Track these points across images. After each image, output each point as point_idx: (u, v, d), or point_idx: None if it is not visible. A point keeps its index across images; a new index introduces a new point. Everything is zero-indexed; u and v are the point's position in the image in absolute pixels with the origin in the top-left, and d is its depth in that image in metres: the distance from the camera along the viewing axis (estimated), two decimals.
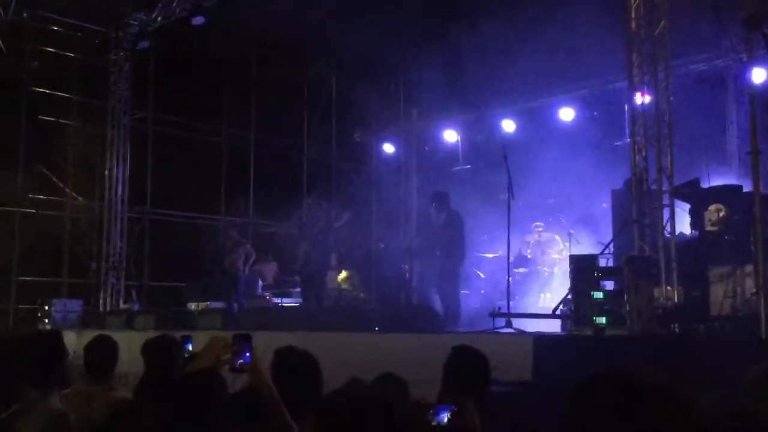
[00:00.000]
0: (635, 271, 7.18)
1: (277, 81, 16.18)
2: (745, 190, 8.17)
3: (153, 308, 13.06)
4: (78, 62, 14.60)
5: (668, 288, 7.68)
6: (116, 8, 14.27)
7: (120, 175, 14.49)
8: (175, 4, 13.55)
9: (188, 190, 14.84)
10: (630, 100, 8.57)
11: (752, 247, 7.14)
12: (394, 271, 13.02)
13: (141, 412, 2.60)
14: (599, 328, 7.02)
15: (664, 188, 8.11)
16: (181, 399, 2.52)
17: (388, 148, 17.01)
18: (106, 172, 14.42)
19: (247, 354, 2.96)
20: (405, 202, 16.55)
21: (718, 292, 7.71)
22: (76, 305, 13.12)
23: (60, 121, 14.35)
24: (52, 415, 3.45)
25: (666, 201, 8.09)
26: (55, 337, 3.99)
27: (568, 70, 12.74)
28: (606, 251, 8.85)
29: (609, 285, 7.72)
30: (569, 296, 7.80)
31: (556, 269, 11.83)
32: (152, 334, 5.37)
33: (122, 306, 13.85)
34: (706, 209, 8.22)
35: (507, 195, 9.03)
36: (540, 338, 6.42)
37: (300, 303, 12.42)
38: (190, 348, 4.29)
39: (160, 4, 13.85)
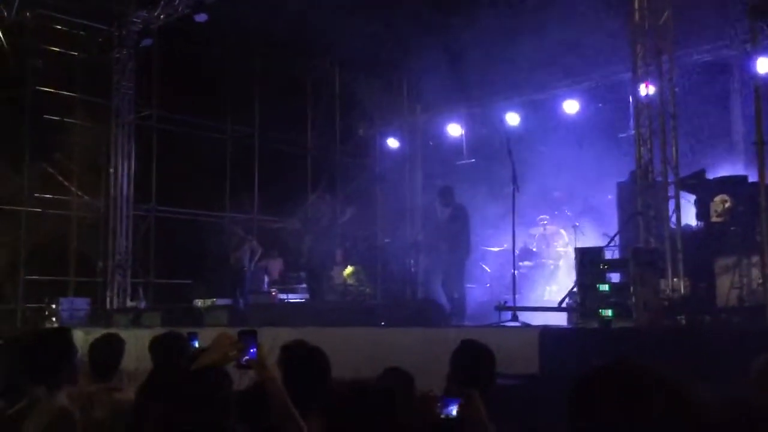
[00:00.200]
0: (641, 263, 7.17)
1: (280, 77, 16.17)
2: (750, 180, 8.16)
3: (159, 305, 13.10)
4: (82, 61, 14.60)
5: (674, 280, 7.67)
6: (119, 6, 14.28)
7: (125, 173, 14.53)
8: (177, 2, 13.56)
9: (193, 187, 14.85)
10: (634, 91, 8.54)
11: (758, 238, 7.13)
12: (400, 265, 13.03)
13: (144, 412, 2.61)
14: (605, 321, 7.01)
15: (669, 180, 8.10)
16: (187, 396, 2.52)
17: (392, 142, 17.01)
18: (111, 170, 14.46)
19: (253, 350, 2.96)
20: (409, 197, 16.56)
21: (724, 283, 7.71)
22: (83, 303, 13.18)
23: (64, 119, 14.35)
24: (58, 413, 3.46)
25: (671, 192, 8.08)
26: (65, 334, 3.98)
27: (572, 62, 12.70)
28: (612, 243, 8.84)
29: (615, 277, 7.72)
30: (575, 289, 7.80)
31: (561, 262, 11.82)
32: (159, 331, 5.39)
33: (129, 304, 13.90)
34: (712, 200, 8.21)
35: (512, 188, 9.02)
36: (546, 331, 6.42)
37: (306, 299, 12.44)
38: (197, 345, 4.30)
39: (162, 2, 13.86)
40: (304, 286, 13.01)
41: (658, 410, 1.50)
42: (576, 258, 7.78)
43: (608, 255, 8.21)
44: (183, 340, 4.49)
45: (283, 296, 13.39)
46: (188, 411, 2.48)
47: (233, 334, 3.02)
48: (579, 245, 10.11)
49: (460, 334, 5.23)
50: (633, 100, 8.86)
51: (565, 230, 12.32)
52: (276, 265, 14.60)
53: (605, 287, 7.31)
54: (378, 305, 10.60)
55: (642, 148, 8.23)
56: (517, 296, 9.00)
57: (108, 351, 4.54)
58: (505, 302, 8.90)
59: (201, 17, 13.20)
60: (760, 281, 7.15)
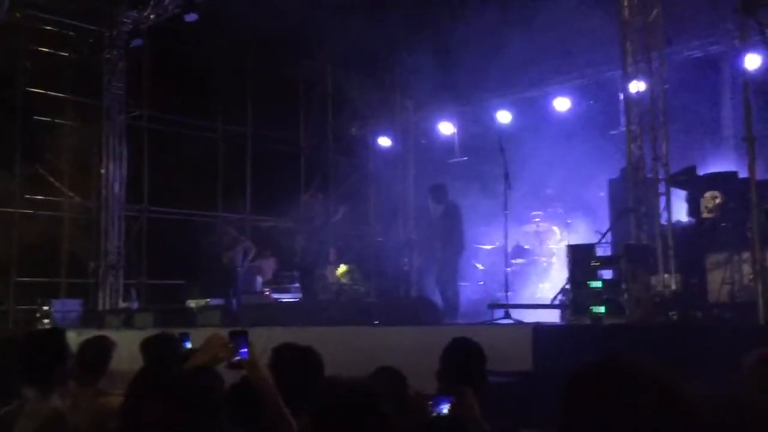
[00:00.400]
0: (633, 260, 7.19)
1: (272, 76, 16.16)
2: (741, 176, 8.18)
3: (152, 306, 13.07)
4: (72, 61, 14.55)
5: (666, 276, 7.69)
6: (109, 7, 14.23)
7: (116, 174, 14.48)
8: (167, 2, 13.52)
9: (185, 187, 14.82)
10: (624, 88, 8.56)
11: (749, 234, 7.15)
12: (393, 264, 13.03)
13: (132, 413, 2.60)
14: (597, 317, 7.03)
15: (660, 176, 8.11)
16: (177, 396, 2.52)
17: (385, 141, 17.01)
18: (103, 171, 14.41)
19: (244, 350, 2.96)
20: (402, 195, 16.56)
21: (715, 278, 7.74)
22: (75, 305, 13.13)
23: (55, 120, 14.30)
24: (50, 416, 3.44)
25: (662, 189, 8.09)
26: (59, 335, 3.95)
27: (563, 59, 12.74)
28: (603, 240, 8.87)
29: (607, 274, 7.73)
30: (567, 286, 7.81)
31: (554, 259, 11.85)
32: (151, 332, 5.37)
33: (121, 305, 13.86)
34: (702, 196, 8.24)
35: (504, 186, 9.04)
36: (539, 328, 6.45)
37: (300, 298, 12.43)
38: (189, 345, 4.28)
39: (152, 2, 13.82)
40: (297, 285, 13.00)
41: (650, 406, 1.51)
42: (568, 255, 7.80)
43: (600, 252, 8.23)
44: (175, 341, 4.47)
45: (276, 296, 13.37)
46: (179, 412, 2.47)
47: (225, 335, 3.02)
48: (571, 242, 10.13)
49: (453, 332, 5.23)
50: (623, 97, 8.88)
51: (557, 228, 12.34)
52: (269, 265, 14.58)
53: (597, 284, 7.33)
54: (371, 304, 10.60)
55: (632, 145, 8.24)
56: (510, 294, 9.02)
57: (97, 352, 4.51)
58: (498, 300, 8.93)
59: (191, 17, 13.16)
60: (751, 277, 7.17)
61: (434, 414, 2.94)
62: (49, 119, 14.21)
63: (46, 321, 12.46)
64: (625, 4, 8.39)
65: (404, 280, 12.83)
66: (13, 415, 3.46)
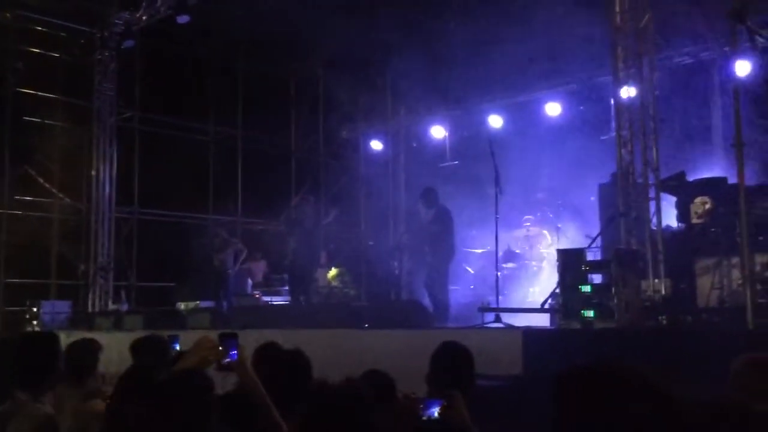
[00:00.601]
0: (623, 264, 7.22)
1: (263, 78, 16.15)
2: (730, 182, 8.23)
3: (142, 308, 13.02)
4: (63, 62, 14.50)
5: (656, 280, 7.72)
6: (101, 8, 14.18)
7: (107, 176, 14.42)
8: (159, 3, 13.48)
9: (176, 189, 14.77)
10: (615, 93, 8.59)
11: (738, 239, 7.18)
12: (384, 267, 13.03)
13: (119, 415, 2.60)
14: (588, 321, 7.05)
15: (650, 181, 8.15)
16: (165, 398, 2.51)
17: (376, 144, 17.01)
18: (93, 172, 14.35)
19: (234, 353, 2.96)
20: (393, 199, 16.57)
21: (705, 283, 7.77)
22: (64, 306, 13.07)
23: (45, 121, 14.24)
24: (42, 420, 3.43)
25: (652, 194, 8.13)
26: (52, 339, 3.95)
27: (555, 64, 12.77)
28: (593, 245, 8.89)
29: (597, 278, 7.76)
30: (557, 290, 7.83)
31: (544, 263, 11.87)
32: (141, 334, 5.36)
33: (111, 307, 13.78)
34: (692, 202, 8.27)
35: (495, 190, 9.05)
36: (529, 332, 6.45)
37: (289, 301, 12.41)
38: (178, 348, 4.28)
39: (144, 3, 13.78)
40: (288, 288, 12.97)
41: (639, 410, 1.51)
42: (558, 259, 7.82)
43: (590, 256, 8.25)
44: (164, 343, 4.46)
45: (266, 299, 13.34)
46: (166, 414, 2.46)
47: (214, 337, 3.02)
48: (561, 247, 10.16)
49: (443, 335, 5.23)
50: (614, 103, 8.91)
51: (548, 232, 12.38)
52: (259, 268, 14.56)
53: (587, 288, 7.34)
54: (362, 307, 10.59)
55: (623, 150, 8.27)
56: (500, 298, 9.03)
57: (85, 355, 4.50)
58: (489, 304, 8.94)
59: (183, 18, 13.13)
60: (740, 282, 7.21)
61: (424, 417, 2.94)
62: (39, 120, 14.15)
63: (34, 322, 12.40)
64: (617, 10, 8.43)
65: (394, 284, 12.82)
66: (5, 415, 3.45)
